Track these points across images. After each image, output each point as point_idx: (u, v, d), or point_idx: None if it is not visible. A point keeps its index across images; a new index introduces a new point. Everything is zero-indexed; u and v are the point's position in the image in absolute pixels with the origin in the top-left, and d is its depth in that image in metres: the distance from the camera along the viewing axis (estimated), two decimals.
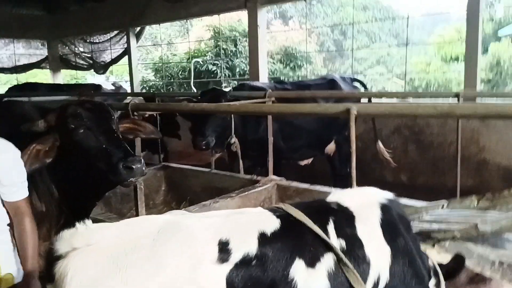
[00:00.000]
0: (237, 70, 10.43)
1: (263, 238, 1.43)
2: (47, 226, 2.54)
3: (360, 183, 6.56)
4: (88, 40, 11.58)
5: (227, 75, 10.33)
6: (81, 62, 11.91)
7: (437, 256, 2.08)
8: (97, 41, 11.34)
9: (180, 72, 11.54)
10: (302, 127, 5.12)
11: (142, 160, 2.36)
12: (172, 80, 11.83)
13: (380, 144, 5.42)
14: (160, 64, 12.40)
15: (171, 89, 11.63)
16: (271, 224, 1.48)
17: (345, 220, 1.59)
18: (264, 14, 7.74)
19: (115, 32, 10.66)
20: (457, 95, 3.09)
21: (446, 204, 2.92)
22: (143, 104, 2.62)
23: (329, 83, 5.53)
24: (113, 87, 8.94)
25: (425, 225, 2.33)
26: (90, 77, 17.21)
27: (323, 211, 1.60)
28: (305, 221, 1.48)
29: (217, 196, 3.75)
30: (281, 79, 10.16)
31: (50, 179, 2.53)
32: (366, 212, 1.61)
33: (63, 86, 9.29)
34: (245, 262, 1.38)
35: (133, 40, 9.99)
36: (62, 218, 2.58)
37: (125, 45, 10.28)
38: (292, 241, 1.47)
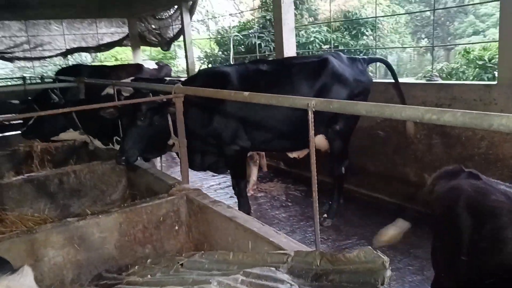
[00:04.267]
0: None
1: None
2: None
3: (380, 181, 5.66)
4: (157, 17, 11.74)
5: (272, 49, 9.51)
6: (153, 38, 12.17)
7: None
8: (164, 17, 11.42)
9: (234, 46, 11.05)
10: (273, 118, 4.35)
11: None
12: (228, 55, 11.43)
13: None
14: (219, 38, 12.05)
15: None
16: None
17: None
18: None
19: (175, 7, 10.57)
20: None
21: (291, 257, 2.10)
22: None
23: (319, 64, 4.57)
24: (156, 67, 8.88)
25: None
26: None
27: None
28: None
29: None
30: (339, 49, 9.00)
31: None
32: None
33: (106, 67, 9.53)
34: None
35: (186, 15, 9.76)
36: None
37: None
38: None
